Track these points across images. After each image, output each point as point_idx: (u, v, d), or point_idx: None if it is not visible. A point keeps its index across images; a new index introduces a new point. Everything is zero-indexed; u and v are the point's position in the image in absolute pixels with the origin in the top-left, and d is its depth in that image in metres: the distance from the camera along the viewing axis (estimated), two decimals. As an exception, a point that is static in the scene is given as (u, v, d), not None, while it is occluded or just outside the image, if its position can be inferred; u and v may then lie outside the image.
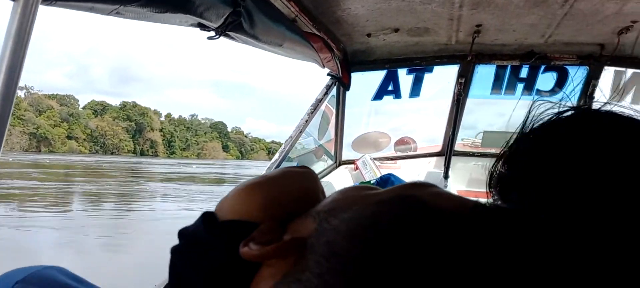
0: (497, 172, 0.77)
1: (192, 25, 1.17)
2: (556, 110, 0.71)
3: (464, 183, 3.27)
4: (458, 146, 3.38)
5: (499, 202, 0.71)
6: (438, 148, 3.56)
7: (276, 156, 2.15)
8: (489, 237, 0.36)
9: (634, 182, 0.53)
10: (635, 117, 0.62)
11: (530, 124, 0.71)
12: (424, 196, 0.40)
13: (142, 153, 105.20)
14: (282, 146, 2.22)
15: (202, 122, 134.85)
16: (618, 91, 2.80)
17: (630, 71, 2.70)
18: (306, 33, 1.87)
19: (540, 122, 0.70)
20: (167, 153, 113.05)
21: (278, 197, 0.47)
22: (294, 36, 1.69)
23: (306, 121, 2.40)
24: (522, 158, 0.70)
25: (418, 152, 3.77)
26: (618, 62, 2.61)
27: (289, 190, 0.49)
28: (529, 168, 0.68)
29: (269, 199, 0.47)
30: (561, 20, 2.06)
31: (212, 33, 1.28)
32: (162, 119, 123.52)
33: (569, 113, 0.68)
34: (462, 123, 3.17)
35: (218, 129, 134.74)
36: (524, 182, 0.69)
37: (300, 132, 2.34)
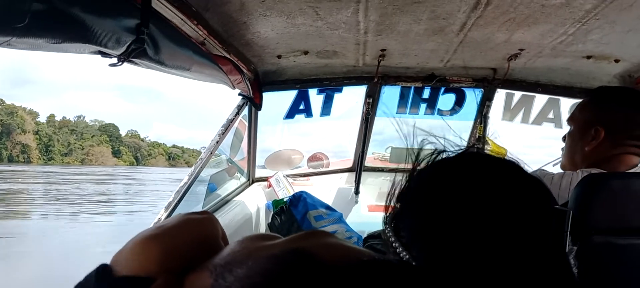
0: (394, 208, 0.81)
1: (92, 52, 1.13)
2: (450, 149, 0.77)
3: (373, 197, 3.38)
4: (369, 160, 3.50)
5: (393, 242, 0.76)
6: (349, 164, 3.65)
7: (185, 179, 2.11)
8: None
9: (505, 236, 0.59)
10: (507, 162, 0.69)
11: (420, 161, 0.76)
12: (313, 249, 0.42)
13: (11, 160, 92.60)
14: (192, 168, 2.19)
15: (90, 124, 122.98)
16: (509, 111, 3.05)
17: (519, 93, 2.95)
18: (215, 56, 1.86)
19: (426, 162, 0.75)
20: (43, 160, 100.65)
21: (176, 248, 0.46)
22: (202, 60, 1.68)
23: (217, 142, 2.39)
24: (409, 199, 0.76)
25: (331, 168, 3.85)
26: (509, 85, 2.85)
27: (188, 240, 0.48)
28: (414, 211, 0.73)
29: (166, 252, 0.46)
30: (457, 47, 2.21)
31: (114, 60, 1.24)
32: (41, 120, 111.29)
33: (447, 154, 0.74)
34: (382, 136, 3.31)
35: (108, 131, 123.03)
36: (411, 223, 0.74)
37: (211, 153, 2.32)
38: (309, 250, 0.41)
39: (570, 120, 1.74)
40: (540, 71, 2.58)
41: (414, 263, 0.64)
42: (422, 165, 0.70)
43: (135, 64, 1.33)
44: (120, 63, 1.25)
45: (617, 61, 2.25)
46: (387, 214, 0.77)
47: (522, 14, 1.75)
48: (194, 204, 2.46)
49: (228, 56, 1.98)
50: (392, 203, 0.76)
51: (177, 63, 1.49)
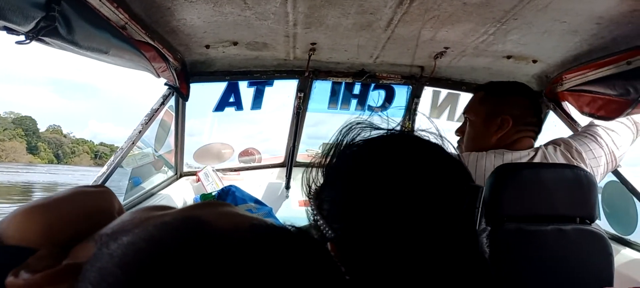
0: (315, 183, 0.81)
1: (-5, 29, 1.05)
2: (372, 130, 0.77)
3: (305, 193, 3.38)
4: (302, 157, 3.50)
5: (315, 214, 0.75)
6: (281, 160, 3.64)
7: (104, 169, 2.01)
8: (258, 257, 0.36)
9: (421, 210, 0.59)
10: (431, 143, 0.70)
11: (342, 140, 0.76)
12: (206, 216, 0.40)
13: None
14: (111, 158, 2.09)
15: (3, 116, 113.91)
16: (436, 109, 3.15)
17: (445, 91, 3.05)
18: (137, 41, 1.79)
19: (350, 141, 0.75)
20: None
21: (62, 219, 0.44)
22: (122, 44, 1.60)
23: (139, 132, 2.30)
24: (333, 173, 0.75)
25: (262, 163, 3.82)
26: (435, 83, 2.93)
27: (78, 212, 0.46)
28: (336, 184, 0.73)
29: (50, 222, 0.44)
30: (385, 44, 2.25)
31: (22, 37, 1.16)
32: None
33: (377, 134, 0.74)
34: (317, 133, 3.31)
35: (24, 125, 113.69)
36: (332, 195, 0.74)
37: (133, 143, 2.23)
38: (201, 217, 0.39)
39: (470, 112, 1.97)
40: (464, 70, 2.68)
41: (332, 234, 0.63)
42: (348, 142, 0.71)
43: (46, 43, 1.25)
44: (28, 41, 1.17)
45: (534, 62, 2.37)
46: (310, 188, 0.77)
47: (445, 11, 1.80)
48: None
49: (152, 43, 1.90)
50: (314, 178, 0.75)
51: (93, 45, 1.41)
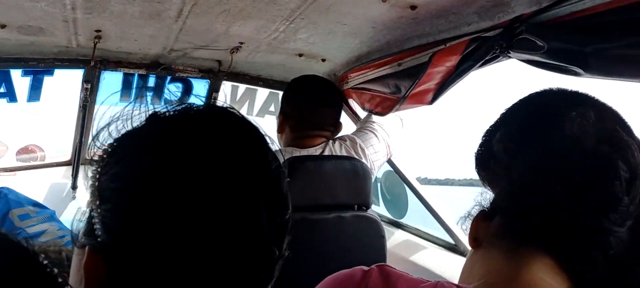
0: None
1: None
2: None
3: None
4: (99, 153, 3.20)
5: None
6: (68, 157, 3.30)
7: None
8: None
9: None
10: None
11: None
12: None
13: None
14: None
15: None
16: (235, 103, 3.17)
17: (243, 86, 3.08)
18: None
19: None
20: None
21: None
22: None
23: None
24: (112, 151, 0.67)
25: (47, 161, 3.42)
26: (233, 78, 2.94)
27: None
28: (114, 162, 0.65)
29: None
30: (178, 35, 2.17)
31: None
32: None
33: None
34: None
35: None
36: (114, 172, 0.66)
37: None
38: None
39: None
40: (261, 66, 2.74)
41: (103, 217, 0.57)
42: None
43: None
44: None
45: (323, 60, 2.53)
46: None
47: (235, 6, 1.80)
48: None
49: None
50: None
51: None
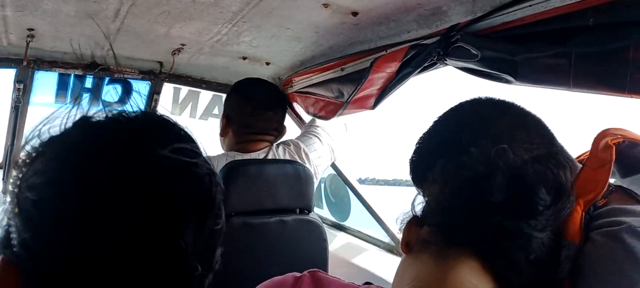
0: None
1: None
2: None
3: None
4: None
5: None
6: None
7: None
8: None
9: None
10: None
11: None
12: None
13: None
14: None
15: None
16: (178, 106, 3.11)
17: (186, 88, 3.02)
18: None
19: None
20: None
21: None
22: None
23: None
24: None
25: (-25, 166, 3.22)
26: (175, 80, 2.88)
27: None
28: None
29: None
30: (117, 35, 2.11)
31: None
32: None
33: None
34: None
35: None
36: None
37: None
38: None
39: None
40: (204, 68, 2.70)
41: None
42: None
43: None
44: None
45: (268, 64, 2.52)
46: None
47: (175, 8, 1.77)
48: None
49: None
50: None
51: None
